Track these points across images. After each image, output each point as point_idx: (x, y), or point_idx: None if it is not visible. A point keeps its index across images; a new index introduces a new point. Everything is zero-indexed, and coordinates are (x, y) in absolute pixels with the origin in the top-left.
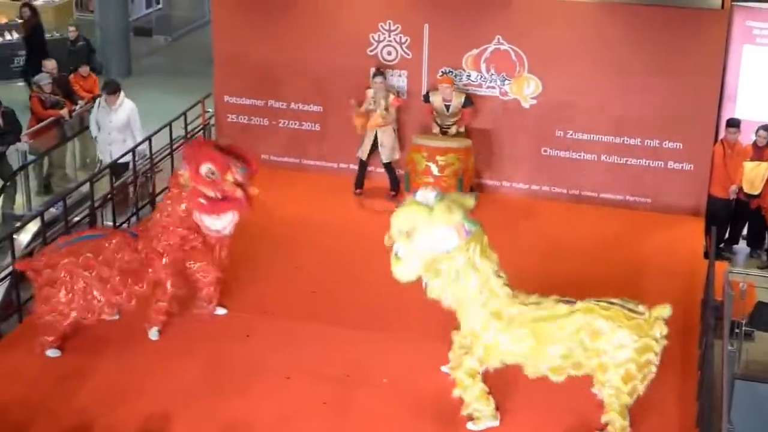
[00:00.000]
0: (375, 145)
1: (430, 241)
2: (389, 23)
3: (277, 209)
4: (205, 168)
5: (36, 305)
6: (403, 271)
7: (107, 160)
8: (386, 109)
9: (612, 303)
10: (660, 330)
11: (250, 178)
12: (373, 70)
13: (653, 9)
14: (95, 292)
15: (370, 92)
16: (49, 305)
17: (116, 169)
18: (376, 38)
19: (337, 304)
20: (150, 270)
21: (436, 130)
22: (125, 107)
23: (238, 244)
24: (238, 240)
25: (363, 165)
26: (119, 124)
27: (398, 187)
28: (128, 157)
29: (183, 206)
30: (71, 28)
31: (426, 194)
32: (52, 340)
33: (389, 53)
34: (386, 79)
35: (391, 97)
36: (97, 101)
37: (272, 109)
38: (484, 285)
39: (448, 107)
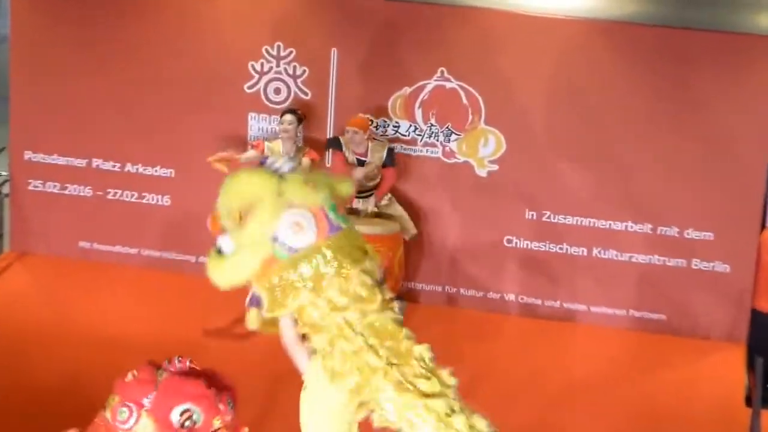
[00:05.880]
0: None
1: (272, 228)
2: (278, 47)
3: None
4: (180, 410)
5: None
6: (222, 273)
7: None
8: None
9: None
10: None
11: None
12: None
13: (681, 33)
14: None
15: (276, 144)
16: None
17: None
18: (258, 68)
19: None
20: None
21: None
22: None
23: None
24: None
25: None
26: None
27: None
28: None
29: None
30: None
31: (278, 161)
32: None
33: (277, 91)
34: (301, 123)
35: (306, 150)
36: None
37: (98, 172)
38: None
39: (362, 163)
